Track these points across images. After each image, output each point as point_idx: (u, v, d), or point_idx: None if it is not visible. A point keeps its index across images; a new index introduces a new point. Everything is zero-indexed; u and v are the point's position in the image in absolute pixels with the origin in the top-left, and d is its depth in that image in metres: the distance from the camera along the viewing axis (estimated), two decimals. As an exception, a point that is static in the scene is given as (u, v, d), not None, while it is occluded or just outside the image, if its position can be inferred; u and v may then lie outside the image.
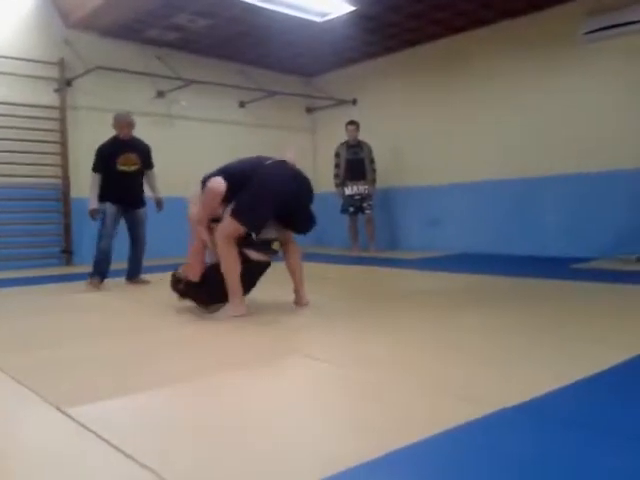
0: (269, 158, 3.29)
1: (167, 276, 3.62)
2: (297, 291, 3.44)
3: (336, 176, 7.47)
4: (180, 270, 3.44)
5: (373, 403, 1.74)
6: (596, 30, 5.68)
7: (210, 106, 7.77)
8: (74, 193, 6.42)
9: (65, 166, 6.44)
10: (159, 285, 3.67)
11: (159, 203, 4.94)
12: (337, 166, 7.48)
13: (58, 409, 1.71)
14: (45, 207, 6.41)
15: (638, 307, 3.32)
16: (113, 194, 4.61)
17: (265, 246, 3.21)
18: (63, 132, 6.44)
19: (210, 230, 3.20)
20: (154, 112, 7.28)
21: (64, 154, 6.44)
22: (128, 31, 6.66)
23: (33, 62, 6.26)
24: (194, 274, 3.26)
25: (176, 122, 7.50)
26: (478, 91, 6.90)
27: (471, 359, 2.23)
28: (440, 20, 6.51)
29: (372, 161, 7.37)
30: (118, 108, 6.83)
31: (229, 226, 3.08)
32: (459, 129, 7.10)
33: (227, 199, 3.13)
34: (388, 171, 7.69)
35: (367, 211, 7.30)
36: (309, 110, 9.01)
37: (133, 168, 4.69)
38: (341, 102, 8.44)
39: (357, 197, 7.31)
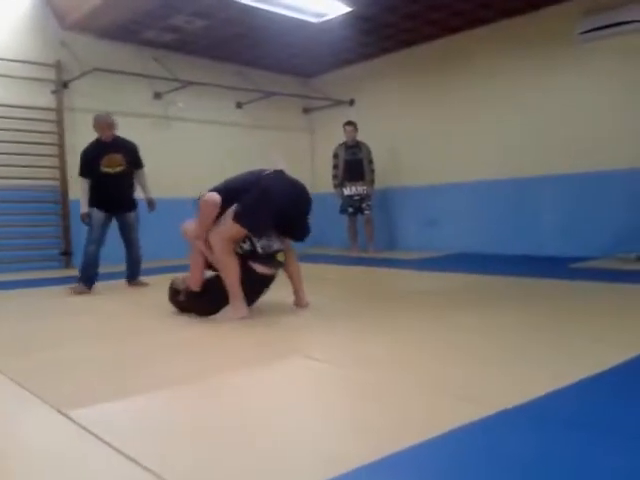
0: (265, 170, 3.31)
1: (167, 278, 3.61)
2: (297, 293, 3.45)
3: (334, 177, 7.47)
4: (177, 281, 3.43)
5: (373, 403, 1.74)
6: (592, 30, 5.69)
7: (207, 107, 7.77)
8: (72, 195, 6.39)
9: (63, 168, 6.42)
10: (158, 287, 3.67)
11: (150, 203, 4.86)
12: (335, 167, 7.48)
13: (59, 411, 1.70)
14: (43, 209, 6.40)
15: (638, 306, 3.33)
16: (99, 198, 4.56)
17: (270, 259, 3.22)
18: (60, 134, 6.43)
19: (208, 244, 3.19)
20: (151, 114, 7.28)
21: (61, 156, 6.42)
22: (125, 32, 6.65)
23: (29, 64, 6.25)
24: (195, 283, 3.25)
25: (173, 123, 7.49)
26: (475, 91, 6.90)
27: (470, 359, 2.23)
28: (436, 20, 6.52)
29: (370, 162, 7.37)
30: (115, 110, 6.81)
31: (230, 229, 3.08)
32: (456, 129, 7.10)
33: (222, 213, 3.14)
34: (386, 171, 7.69)
35: (366, 212, 7.30)
36: (306, 111, 9.01)
37: (118, 169, 4.59)
38: (338, 103, 8.44)
39: (356, 198, 7.31)
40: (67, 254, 6.43)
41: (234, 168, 8.37)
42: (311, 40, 6.98)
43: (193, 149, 7.56)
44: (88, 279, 4.47)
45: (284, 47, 7.33)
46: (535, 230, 6.37)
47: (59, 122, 6.44)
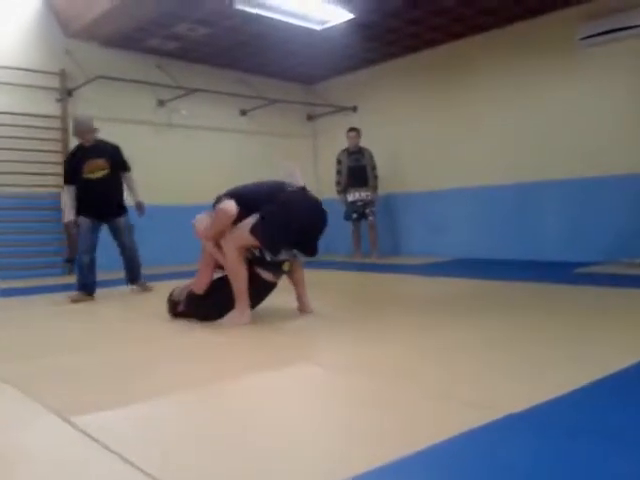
0: (287, 184, 3.27)
1: (172, 285, 3.61)
2: (301, 298, 3.45)
3: (338, 183, 7.48)
4: (175, 292, 3.43)
5: (378, 409, 1.73)
6: (592, 35, 5.70)
7: (211, 114, 7.79)
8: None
9: (67, 175, 6.44)
10: (162, 293, 3.66)
11: (139, 207, 4.75)
12: (339, 173, 7.49)
13: (62, 418, 1.70)
14: (47, 216, 6.42)
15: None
16: (84, 205, 4.47)
17: (276, 267, 3.22)
18: (64, 142, 6.46)
19: (218, 245, 3.19)
20: (155, 121, 7.30)
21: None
22: (128, 40, 6.69)
23: (34, 72, 6.29)
24: (200, 287, 3.25)
25: (177, 131, 7.52)
26: (477, 96, 6.91)
27: (475, 364, 2.22)
28: (439, 26, 6.53)
29: (374, 167, 7.37)
30: (119, 117, 6.85)
31: (246, 239, 3.07)
32: (459, 135, 7.10)
33: (237, 221, 3.13)
34: (389, 177, 7.69)
35: (370, 217, 7.30)
36: (310, 117, 9.02)
37: (101, 174, 4.47)
38: (342, 109, 8.46)
39: (360, 203, 7.31)
40: (71, 261, 6.44)
41: (238, 175, 8.42)
42: (314, 47, 7.00)
43: (197, 156, 7.58)
44: (86, 287, 4.43)
45: (287, 54, 7.35)
46: (539, 235, 6.35)
47: (64, 130, 6.47)
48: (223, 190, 3.30)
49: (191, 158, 7.52)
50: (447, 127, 7.24)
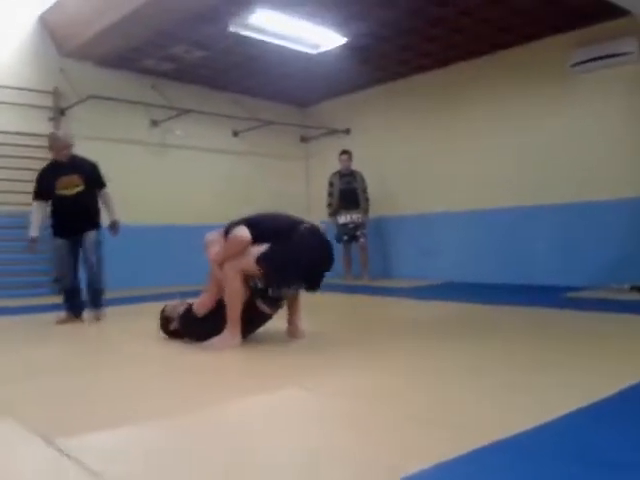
0: (302, 221, 3.26)
1: (161, 306, 3.59)
2: (293, 323, 3.44)
3: (329, 205, 7.52)
4: (168, 308, 3.41)
5: (363, 434, 1.72)
6: (583, 62, 5.80)
7: (204, 135, 7.82)
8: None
9: (58, 194, 6.41)
10: (151, 315, 3.62)
11: (113, 226, 4.52)
12: (330, 195, 7.52)
13: (46, 441, 1.67)
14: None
15: (631, 336, 3.31)
16: (57, 223, 4.33)
17: (274, 302, 3.24)
18: (57, 160, 6.44)
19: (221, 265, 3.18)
20: (148, 141, 7.32)
21: (57, 182, 6.42)
22: (123, 60, 6.73)
23: (27, 91, 6.30)
24: (201, 310, 3.22)
25: (170, 151, 7.53)
26: (470, 121, 6.98)
27: (462, 389, 2.21)
28: (431, 52, 6.63)
29: (365, 190, 7.42)
30: (112, 137, 6.86)
31: (249, 266, 3.06)
32: (451, 159, 7.16)
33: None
34: (381, 200, 7.72)
35: (361, 240, 7.32)
36: (303, 139, 9.08)
37: (75, 191, 4.29)
38: (335, 131, 8.53)
39: (351, 225, 7.34)
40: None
41: (230, 195, 8.41)
42: (308, 71, 7.07)
43: (190, 176, 7.59)
44: (72, 308, 4.35)
45: (281, 77, 7.42)
46: (530, 259, 6.38)
47: (55, 148, 6.45)
48: (234, 216, 3.32)
49: (184, 178, 7.53)
50: (439, 151, 7.30)
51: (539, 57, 6.26)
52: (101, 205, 4.52)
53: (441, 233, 7.28)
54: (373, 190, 7.49)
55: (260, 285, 3.12)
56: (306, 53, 6.29)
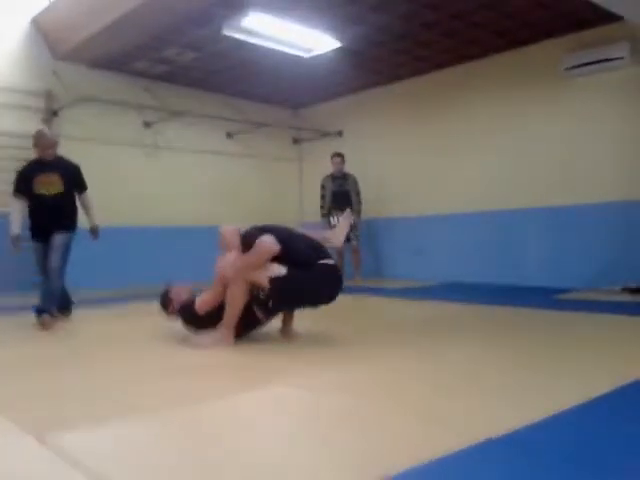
0: (326, 254, 3.25)
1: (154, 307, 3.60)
2: (287, 325, 3.49)
3: (322, 207, 7.53)
4: (174, 290, 3.45)
5: (352, 431, 1.74)
6: (577, 66, 5.85)
7: (197, 137, 7.82)
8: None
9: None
10: (143, 315, 3.63)
11: (93, 231, 4.44)
12: (323, 197, 7.54)
13: (38, 439, 1.68)
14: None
15: (622, 336, 3.35)
16: (35, 226, 4.22)
17: (271, 311, 3.28)
18: (49, 162, 6.43)
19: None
20: (141, 143, 7.31)
21: (50, 184, 6.41)
22: (116, 63, 6.73)
23: (20, 92, 6.29)
24: (203, 308, 3.26)
25: (163, 153, 7.53)
26: (462, 123, 7.03)
27: (454, 388, 2.23)
28: (424, 56, 6.66)
29: (357, 193, 7.43)
30: (105, 138, 6.84)
31: (261, 282, 3.06)
32: (443, 161, 7.21)
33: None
34: (373, 202, 7.74)
35: (353, 241, 7.33)
36: (296, 141, 9.10)
37: (54, 192, 4.19)
38: (327, 134, 8.55)
39: (343, 227, 7.33)
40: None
41: (223, 196, 8.37)
42: (301, 74, 7.10)
43: (183, 178, 7.59)
44: (61, 308, 4.33)
45: (274, 80, 7.44)
46: (521, 261, 6.42)
47: (48, 150, 6.44)
48: (245, 223, 3.40)
49: (177, 180, 7.53)
50: (430, 154, 7.35)
51: (532, 61, 6.31)
52: (80, 208, 4.44)
53: (433, 235, 7.32)
54: (366, 192, 7.51)
55: (262, 296, 3.15)
56: (300, 57, 6.31)
